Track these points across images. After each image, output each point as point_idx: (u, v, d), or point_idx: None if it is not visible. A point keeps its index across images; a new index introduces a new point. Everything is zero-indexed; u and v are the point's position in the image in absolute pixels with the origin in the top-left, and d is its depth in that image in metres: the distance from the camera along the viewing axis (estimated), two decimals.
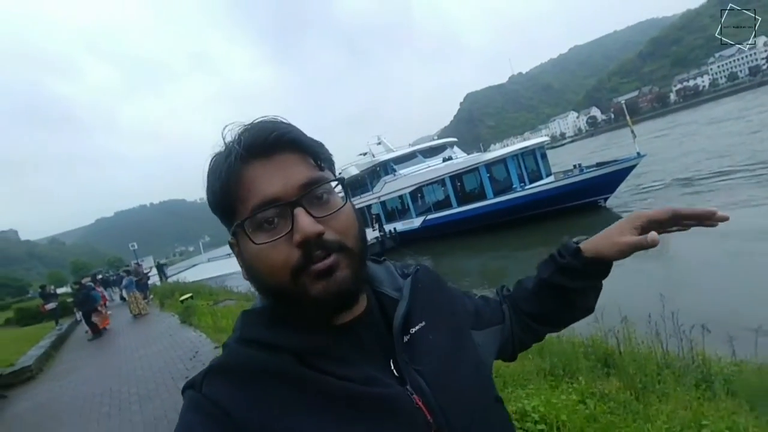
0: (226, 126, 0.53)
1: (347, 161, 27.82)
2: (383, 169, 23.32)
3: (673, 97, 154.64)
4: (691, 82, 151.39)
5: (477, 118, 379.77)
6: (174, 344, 7.31)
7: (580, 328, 3.75)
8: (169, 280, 23.42)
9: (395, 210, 22.88)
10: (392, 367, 0.55)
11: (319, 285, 0.48)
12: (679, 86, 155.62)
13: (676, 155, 23.21)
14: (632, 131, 15.45)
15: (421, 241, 20.37)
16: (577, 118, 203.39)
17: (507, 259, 13.33)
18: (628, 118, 15.91)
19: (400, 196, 22.09)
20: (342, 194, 0.55)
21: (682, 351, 3.38)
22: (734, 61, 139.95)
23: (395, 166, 22.76)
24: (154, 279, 23.21)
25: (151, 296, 15.80)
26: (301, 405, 0.46)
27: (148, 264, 24.67)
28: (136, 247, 24.02)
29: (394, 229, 21.71)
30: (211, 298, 11.45)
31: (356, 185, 25.68)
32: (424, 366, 0.56)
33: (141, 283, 14.73)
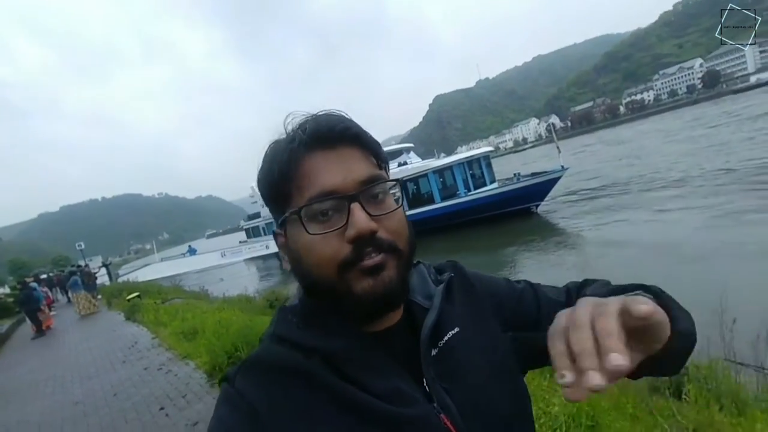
0: (289, 114, 0.54)
1: None
2: None
3: (622, 109, 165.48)
4: (639, 96, 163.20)
5: (445, 120, 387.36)
6: (116, 337, 7.95)
7: None
8: (120, 279, 23.07)
9: None
10: (425, 383, 0.52)
11: (364, 282, 0.47)
12: (628, 99, 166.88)
13: (600, 168, 25.91)
14: (558, 147, 17.18)
15: None
16: (538, 124, 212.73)
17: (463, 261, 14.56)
18: (554, 136, 17.92)
19: None
20: (397, 196, 0.54)
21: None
22: (675, 79, 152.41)
23: None
24: (103, 279, 22.82)
25: (99, 296, 15.83)
26: (326, 414, 0.46)
27: (96, 264, 24.13)
28: (83, 246, 23.38)
29: None
30: (159, 296, 11.86)
31: None
32: (452, 383, 0.53)
33: (89, 283, 14.80)
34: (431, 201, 19.57)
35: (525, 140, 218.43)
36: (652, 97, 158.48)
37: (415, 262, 0.64)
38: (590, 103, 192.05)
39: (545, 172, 17.65)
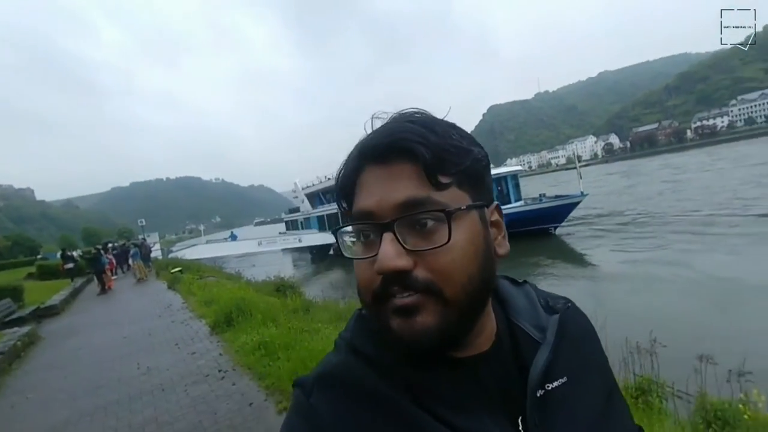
0: (373, 114, 0.48)
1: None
2: None
3: (690, 134, 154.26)
4: (710, 121, 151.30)
5: (498, 131, 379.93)
6: (157, 300, 10.19)
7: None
8: (171, 255, 26.15)
9: None
10: (520, 427, 0.45)
11: (394, 322, 0.41)
12: (697, 124, 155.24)
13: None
14: (579, 173, 17.67)
15: None
16: (595, 142, 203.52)
17: None
18: (577, 163, 18.27)
19: None
20: (472, 223, 0.44)
21: None
22: (755, 105, 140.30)
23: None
24: (156, 253, 26.06)
25: (151, 266, 18.57)
26: None
27: (153, 239, 27.57)
28: (144, 223, 26.98)
29: None
30: (198, 273, 13.99)
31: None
32: None
33: (145, 255, 17.70)
34: None
35: (579, 158, 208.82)
36: (726, 123, 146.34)
37: (521, 281, 0.60)
38: (655, 125, 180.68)
39: (567, 195, 18.18)
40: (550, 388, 0.47)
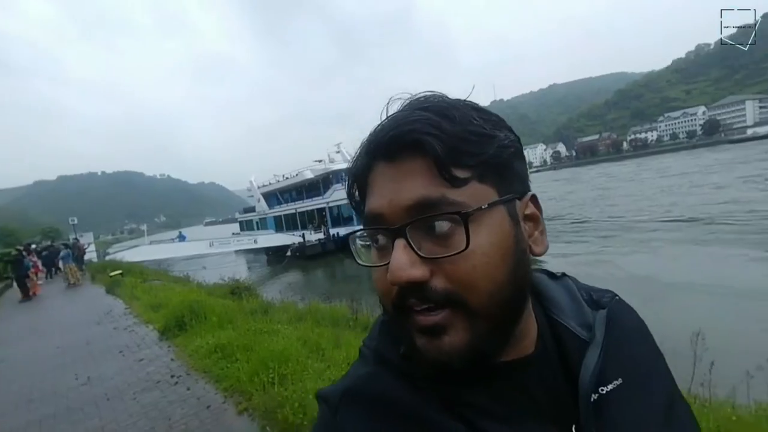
0: (391, 97, 0.42)
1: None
2: (335, 177, 25.40)
3: (626, 145, 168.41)
4: (643, 135, 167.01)
5: None
6: (95, 306, 9.17)
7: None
8: (108, 258, 24.02)
9: (340, 216, 24.91)
10: None
11: (421, 340, 0.37)
12: (632, 136, 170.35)
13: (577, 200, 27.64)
14: (529, 179, 18.40)
15: None
16: (545, 150, 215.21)
17: None
18: (527, 170, 19.08)
19: (346, 205, 24.15)
20: (496, 221, 0.38)
21: None
22: (678, 122, 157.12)
23: (346, 177, 24.82)
24: (91, 255, 23.79)
25: (85, 270, 16.84)
26: None
27: (86, 240, 25.11)
28: (76, 221, 24.43)
29: (338, 233, 23.68)
30: (141, 276, 12.87)
31: (310, 188, 27.66)
32: None
33: (78, 257, 15.96)
34: None
35: (530, 164, 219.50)
36: (655, 137, 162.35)
37: (559, 273, 0.53)
38: (597, 136, 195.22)
39: None
40: (604, 391, 0.42)
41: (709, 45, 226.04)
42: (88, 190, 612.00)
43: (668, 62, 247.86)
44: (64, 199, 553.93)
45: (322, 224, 25.21)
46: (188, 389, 3.77)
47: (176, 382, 3.97)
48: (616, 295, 0.50)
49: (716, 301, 7.46)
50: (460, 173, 0.37)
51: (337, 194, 24.69)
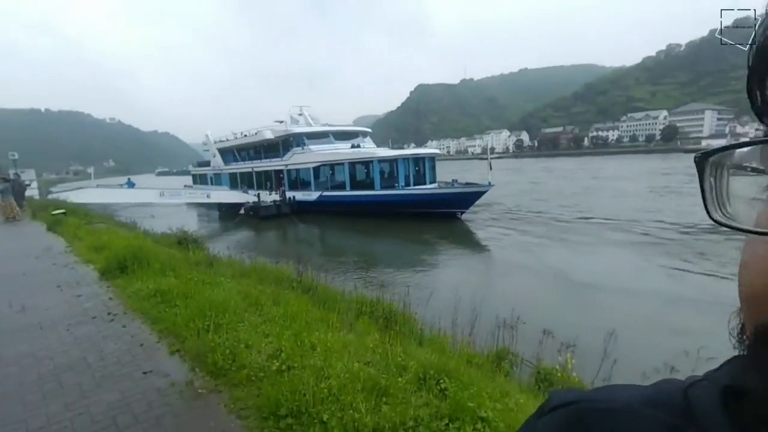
0: None
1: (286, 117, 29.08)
2: (296, 140, 25.14)
3: (586, 141, 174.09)
4: (604, 133, 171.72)
5: (423, 112, 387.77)
6: (34, 242, 9.06)
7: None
8: (51, 197, 22.83)
9: (298, 180, 24.90)
10: None
11: None
12: (594, 133, 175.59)
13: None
14: (489, 164, 19.29)
15: (314, 213, 22.75)
16: (509, 137, 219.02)
17: (379, 245, 16.40)
18: (489, 155, 20.04)
19: (305, 169, 24.16)
20: None
21: None
22: (640, 124, 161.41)
23: (307, 141, 24.73)
24: (33, 192, 22.55)
25: (25, 206, 16.13)
26: None
27: (28, 177, 23.64)
28: (16, 156, 22.90)
29: (294, 197, 23.76)
30: (86, 218, 12.61)
31: (269, 149, 27.19)
32: None
33: (17, 193, 15.22)
34: (371, 187, 21.20)
35: (492, 149, 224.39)
36: (615, 137, 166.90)
37: None
38: (560, 129, 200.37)
39: (475, 184, 19.77)
40: None
41: (680, 45, 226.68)
42: (30, 126, 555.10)
43: (639, 59, 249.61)
44: (3, 133, 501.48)
45: (279, 186, 25.15)
46: (124, 326, 3.97)
47: (112, 320, 4.16)
48: None
49: (620, 301, 7.98)
50: None
51: (297, 157, 24.57)
